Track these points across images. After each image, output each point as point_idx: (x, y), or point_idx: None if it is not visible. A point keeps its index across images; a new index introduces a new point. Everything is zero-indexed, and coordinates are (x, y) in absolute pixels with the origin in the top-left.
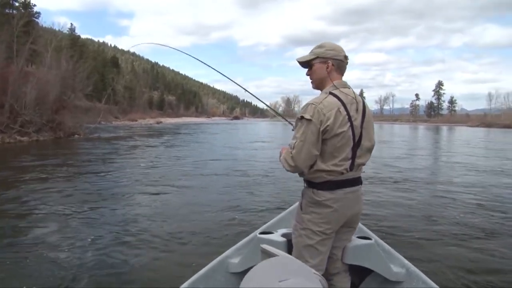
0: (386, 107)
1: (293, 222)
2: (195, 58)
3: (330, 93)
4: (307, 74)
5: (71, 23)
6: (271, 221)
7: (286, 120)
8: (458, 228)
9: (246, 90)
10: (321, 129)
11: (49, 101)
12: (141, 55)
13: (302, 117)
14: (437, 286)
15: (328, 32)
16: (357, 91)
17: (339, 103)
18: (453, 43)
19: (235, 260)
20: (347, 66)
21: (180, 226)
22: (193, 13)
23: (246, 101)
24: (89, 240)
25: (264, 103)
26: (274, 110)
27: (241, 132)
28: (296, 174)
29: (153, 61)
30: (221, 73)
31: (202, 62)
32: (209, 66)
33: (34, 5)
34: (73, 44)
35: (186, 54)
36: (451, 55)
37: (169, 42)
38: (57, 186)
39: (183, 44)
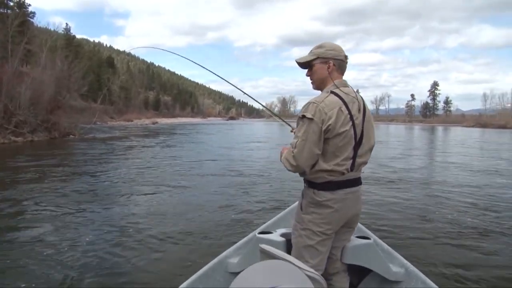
0: (381, 107)
1: (292, 222)
2: (195, 62)
3: (331, 92)
4: (307, 75)
5: (66, 23)
6: (270, 221)
7: (284, 121)
8: (453, 227)
9: (244, 93)
10: (323, 128)
11: (43, 101)
12: (136, 55)
13: (303, 116)
14: (436, 286)
15: (324, 33)
16: None
17: (341, 102)
18: (449, 44)
19: (234, 260)
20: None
21: (178, 226)
22: (189, 13)
23: (242, 101)
24: (87, 240)
25: (261, 104)
26: (271, 111)
27: (237, 132)
28: (293, 174)
29: (148, 61)
30: (218, 76)
31: (202, 66)
32: (208, 70)
33: (29, 5)
34: (68, 44)
35: (186, 58)
36: (447, 56)
37: (165, 43)
38: (52, 187)
39: (179, 44)
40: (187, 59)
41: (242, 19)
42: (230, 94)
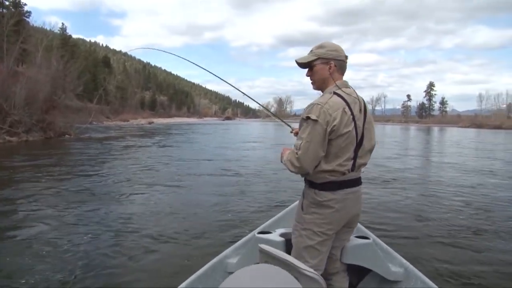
0: (377, 107)
1: (293, 222)
2: (193, 63)
3: (334, 93)
4: (307, 75)
5: (62, 23)
6: (269, 221)
7: (283, 122)
8: (448, 226)
9: (243, 93)
10: (328, 129)
11: (39, 101)
12: (133, 55)
13: (308, 118)
14: (435, 286)
15: (320, 33)
16: None
17: (344, 103)
18: (445, 44)
19: (234, 260)
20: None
21: (176, 226)
22: (186, 13)
23: (238, 101)
24: (84, 240)
25: (261, 105)
26: (271, 113)
27: (233, 132)
28: (289, 174)
29: (145, 61)
30: (218, 77)
31: (201, 66)
32: (207, 70)
33: (25, 4)
34: (64, 44)
35: (183, 58)
36: (443, 56)
37: (162, 42)
38: (47, 186)
39: (176, 44)
40: (186, 59)
41: (239, 19)
42: (227, 94)
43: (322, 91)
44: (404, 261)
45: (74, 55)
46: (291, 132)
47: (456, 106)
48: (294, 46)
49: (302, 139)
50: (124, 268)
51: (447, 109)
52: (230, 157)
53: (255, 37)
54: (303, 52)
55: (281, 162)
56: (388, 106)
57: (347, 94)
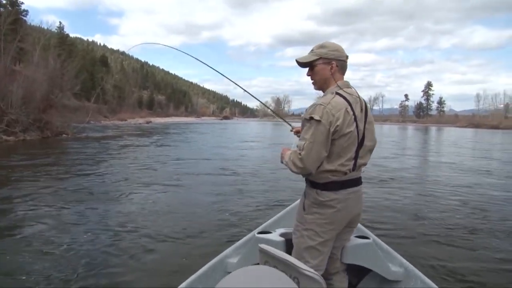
0: (375, 107)
1: (294, 222)
2: (194, 57)
3: (336, 93)
4: (308, 75)
5: (59, 22)
6: (269, 221)
7: (284, 121)
8: (445, 225)
9: (245, 90)
10: (331, 130)
11: (36, 100)
12: (130, 54)
13: (311, 118)
14: (435, 286)
15: (318, 33)
16: None
17: (346, 103)
18: (442, 45)
19: (234, 260)
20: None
21: (175, 225)
22: (183, 12)
23: (236, 101)
24: (83, 240)
25: (262, 103)
26: (273, 111)
27: (231, 132)
28: (287, 173)
29: (142, 60)
30: (222, 74)
31: (203, 62)
32: (209, 66)
33: (22, 3)
34: (61, 43)
35: (184, 53)
36: (440, 56)
37: (159, 42)
38: (44, 186)
39: (173, 43)
40: (189, 54)
41: (237, 19)
42: (224, 94)
43: (323, 91)
44: (404, 261)
45: (71, 54)
46: (291, 130)
47: (454, 106)
48: (292, 46)
49: (305, 139)
50: (124, 267)
51: (445, 109)
52: (228, 157)
53: (253, 37)
54: (300, 52)
55: (281, 162)
56: (386, 106)
57: (349, 94)
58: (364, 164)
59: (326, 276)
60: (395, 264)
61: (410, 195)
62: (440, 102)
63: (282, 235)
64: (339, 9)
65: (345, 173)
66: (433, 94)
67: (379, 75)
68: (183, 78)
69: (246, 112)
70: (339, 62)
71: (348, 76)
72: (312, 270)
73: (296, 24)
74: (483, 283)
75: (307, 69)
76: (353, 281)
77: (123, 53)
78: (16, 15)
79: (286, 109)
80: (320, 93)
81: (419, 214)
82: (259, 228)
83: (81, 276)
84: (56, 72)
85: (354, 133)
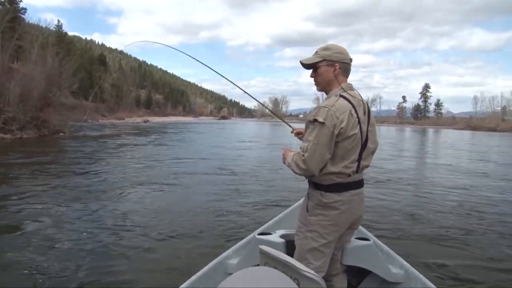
0: (373, 108)
1: (297, 224)
2: (193, 57)
3: (340, 95)
4: (312, 76)
5: (58, 20)
6: (270, 222)
7: (284, 121)
8: (443, 227)
9: (245, 91)
10: (336, 132)
11: (33, 98)
12: (128, 53)
13: (315, 120)
14: (435, 287)
15: (317, 33)
16: None
17: (350, 106)
18: (440, 47)
19: (234, 261)
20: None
21: (174, 224)
22: (182, 12)
23: (234, 101)
24: (82, 237)
25: (262, 104)
26: (272, 112)
27: (229, 131)
28: (286, 174)
29: (141, 59)
30: (222, 76)
31: (202, 62)
32: (210, 68)
33: (20, 1)
34: (59, 41)
35: (183, 52)
36: (438, 58)
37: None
38: (41, 184)
39: (171, 43)
40: (186, 53)
41: (236, 19)
42: (222, 94)
43: (326, 93)
44: (405, 262)
45: (69, 53)
46: (292, 132)
47: (451, 108)
48: (291, 46)
49: (309, 141)
50: (122, 267)
51: (442, 111)
52: (226, 157)
53: (251, 37)
54: (299, 52)
55: (284, 163)
56: (384, 108)
57: (352, 96)
58: (367, 166)
59: (326, 277)
60: (395, 266)
61: (409, 196)
62: (438, 104)
63: (282, 236)
64: (338, 10)
65: (349, 175)
66: (430, 96)
67: (377, 76)
68: (181, 77)
69: (243, 112)
70: (342, 65)
71: (348, 77)
72: (312, 272)
73: (295, 25)
74: (483, 283)
75: (307, 70)
76: (353, 282)
77: (121, 52)
78: (14, 13)
79: (284, 109)
80: (319, 94)
81: (417, 215)
82: (259, 229)
83: (78, 276)
84: (54, 70)
85: (358, 135)
